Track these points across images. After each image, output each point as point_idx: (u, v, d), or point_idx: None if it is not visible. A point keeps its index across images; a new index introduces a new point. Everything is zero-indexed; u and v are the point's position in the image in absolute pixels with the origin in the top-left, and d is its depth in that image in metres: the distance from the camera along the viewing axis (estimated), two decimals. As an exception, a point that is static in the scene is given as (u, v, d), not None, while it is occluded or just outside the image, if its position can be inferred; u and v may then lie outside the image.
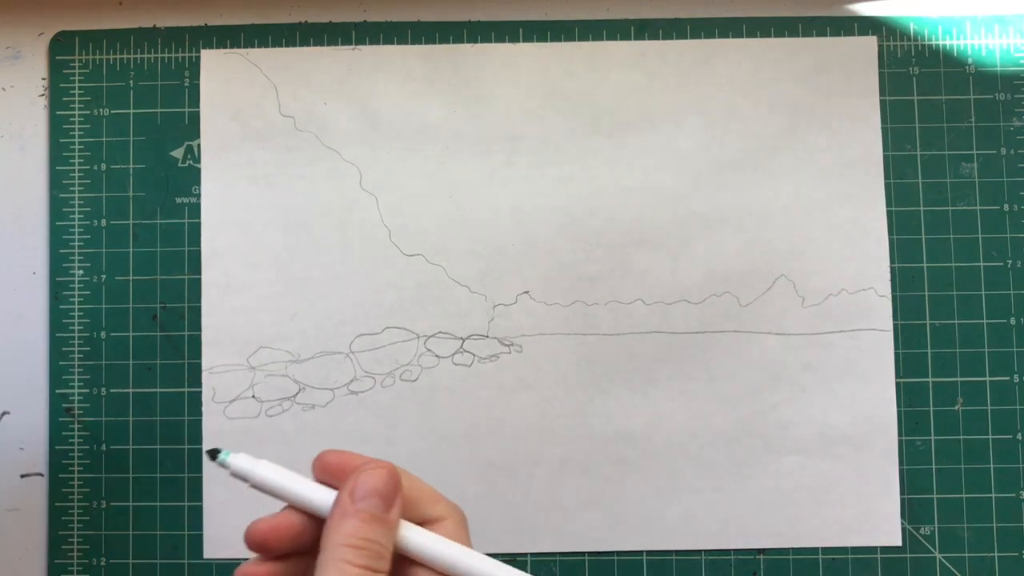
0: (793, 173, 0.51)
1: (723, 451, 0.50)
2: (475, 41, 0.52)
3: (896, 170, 0.51)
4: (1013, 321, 0.50)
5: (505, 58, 0.51)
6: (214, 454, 0.33)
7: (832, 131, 0.51)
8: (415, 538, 0.32)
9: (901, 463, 0.50)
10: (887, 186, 0.51)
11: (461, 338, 0.50)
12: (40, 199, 0.52)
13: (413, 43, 0.52)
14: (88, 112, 0.52)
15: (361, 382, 0.50)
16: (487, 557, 0.33)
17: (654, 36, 0.52)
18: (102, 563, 0.50)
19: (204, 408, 0.50)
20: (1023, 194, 0.51)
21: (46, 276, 0.51)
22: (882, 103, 0.51)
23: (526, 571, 0.49)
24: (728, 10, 0.52)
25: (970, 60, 0.51)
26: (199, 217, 0.51)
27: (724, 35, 0.52)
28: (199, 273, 0.51)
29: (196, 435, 0.50)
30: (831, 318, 0.50)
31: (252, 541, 0.32)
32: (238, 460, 0.33)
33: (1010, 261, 0.50)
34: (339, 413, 0.50)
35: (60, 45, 0.52)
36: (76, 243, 0.51)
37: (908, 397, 0.50)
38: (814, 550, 0.50)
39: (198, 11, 0.52)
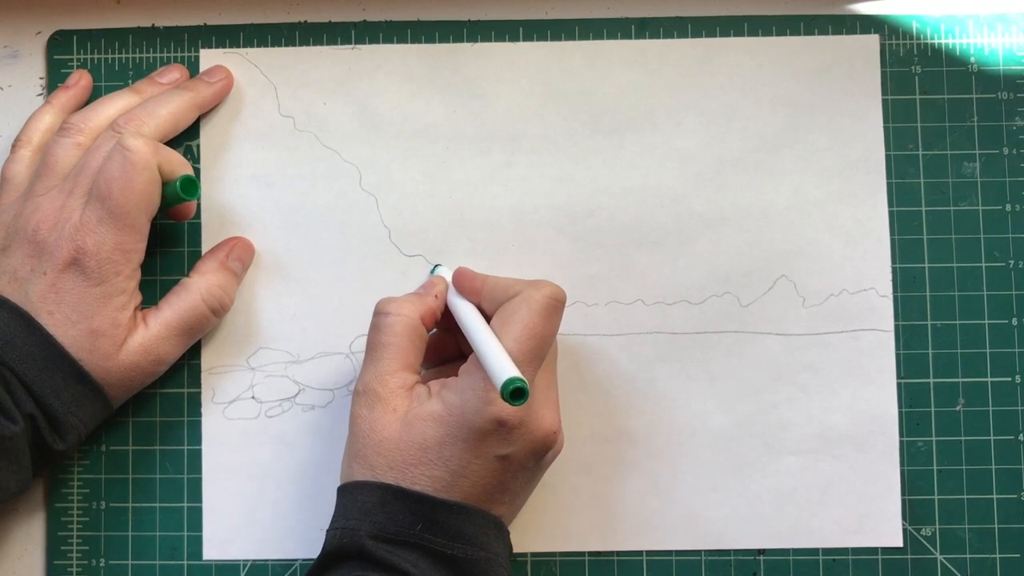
0: (794, 172, 0.51)
1: (723, 451, 0.50)
2: (475, 40, 0.51)
3: (898, 170, 0.51)
4: (1015, 322, 0.50)
5: (505, 58, 0.51)
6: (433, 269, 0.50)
7: (833, 130, 0.51)
8: (453, 300, 0.47)
9: (902, 464, 0.50)
10: (888, 186, 0.51)
11: (461, 338, 0.50)
12: (39, 199, 0.51)
13: (413, 43, 0.51)
14: (87, 111, 0.51)
15: (361, 383, 0.50)
16: (485, 326, 0.43)
17: (655, 35, 0.51)
18: (101, 564, 0.50)
19: (203, 409, 0.50)
20: (1025, 194, 0.51)
21: (45, 276, 0.51)
22: (884, 102, 0.51)
23: (525, 571, 0.50)
24: (729, 8, 0.52)
25: (972, 59, 0.51)
26: (199, 217, 0.51)
27: (725, 34, 0.51)
28: (198, 273, 0.51)
29: (196, 435, 0.50)
30: (832, 318, 0.50)
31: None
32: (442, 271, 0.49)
33: (1012, 261, 0.50)
34: (339, 413, 0.50)
35: (58, 44, 0.52)
36: (75, 243, 0.51)
37: (909, 398, 0.50)
38: (814, 551, 0.49)
39: (197, 10, 0.52)
